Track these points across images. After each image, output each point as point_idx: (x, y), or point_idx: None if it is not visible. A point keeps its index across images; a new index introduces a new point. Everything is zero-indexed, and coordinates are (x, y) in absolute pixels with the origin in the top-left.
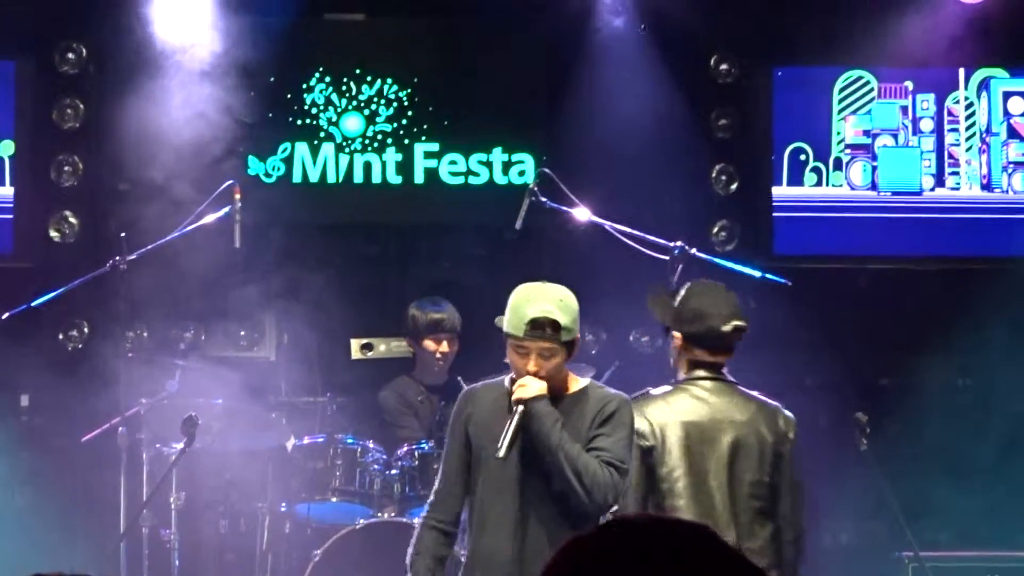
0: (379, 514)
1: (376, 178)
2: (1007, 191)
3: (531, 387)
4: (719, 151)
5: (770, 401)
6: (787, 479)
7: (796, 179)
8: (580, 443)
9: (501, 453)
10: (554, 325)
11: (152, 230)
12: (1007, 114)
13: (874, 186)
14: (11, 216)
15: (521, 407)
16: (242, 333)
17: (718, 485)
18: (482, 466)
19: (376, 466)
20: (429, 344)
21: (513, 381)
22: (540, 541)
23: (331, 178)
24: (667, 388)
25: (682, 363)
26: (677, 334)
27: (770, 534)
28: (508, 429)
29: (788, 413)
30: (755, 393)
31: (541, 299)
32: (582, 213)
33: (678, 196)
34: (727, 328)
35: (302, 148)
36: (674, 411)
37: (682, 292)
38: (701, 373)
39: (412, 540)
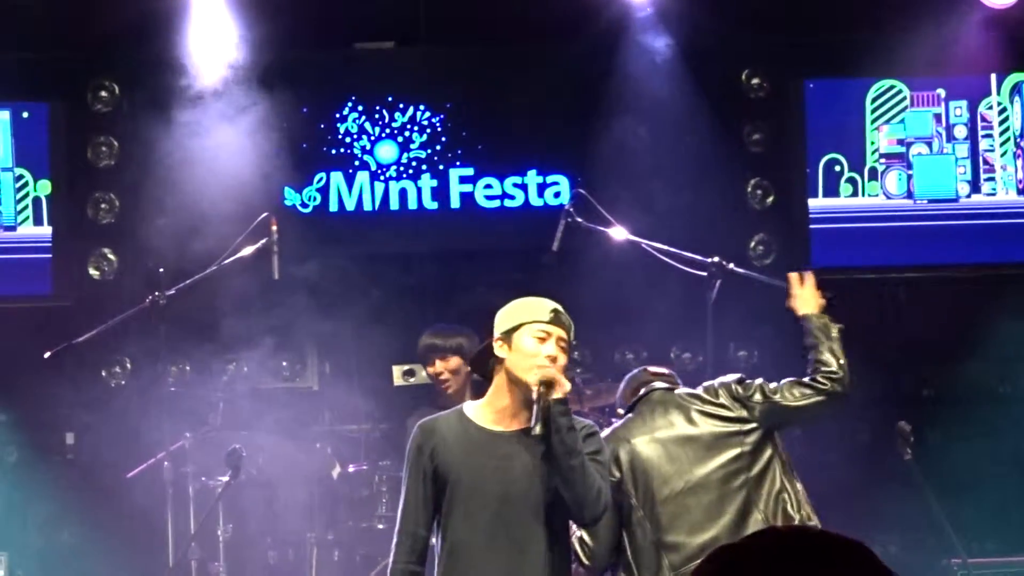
0: None
1: (412, 204)
2: None
3: (563, 377)
4: (753, 165)
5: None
6: (766, 408)
7: (832, 190)
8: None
9: (537, 430)
10: (571, 325)
11: (190, 264)
12: None
13: (910, 194)
14: (50, 255)
15: (556, 380)
16: (284, 364)
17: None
18: (458, 501)
19: None
20: (429, 369)
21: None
22: (527, 574)
23: (367, 206)
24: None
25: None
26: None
27: (778, 477)
28: (538, 408)
29: (705, 384)
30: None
31: (555, 303)
32: (618, 232)
33: (714, 211)
34: None
35: (337, 177)
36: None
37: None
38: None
39: None
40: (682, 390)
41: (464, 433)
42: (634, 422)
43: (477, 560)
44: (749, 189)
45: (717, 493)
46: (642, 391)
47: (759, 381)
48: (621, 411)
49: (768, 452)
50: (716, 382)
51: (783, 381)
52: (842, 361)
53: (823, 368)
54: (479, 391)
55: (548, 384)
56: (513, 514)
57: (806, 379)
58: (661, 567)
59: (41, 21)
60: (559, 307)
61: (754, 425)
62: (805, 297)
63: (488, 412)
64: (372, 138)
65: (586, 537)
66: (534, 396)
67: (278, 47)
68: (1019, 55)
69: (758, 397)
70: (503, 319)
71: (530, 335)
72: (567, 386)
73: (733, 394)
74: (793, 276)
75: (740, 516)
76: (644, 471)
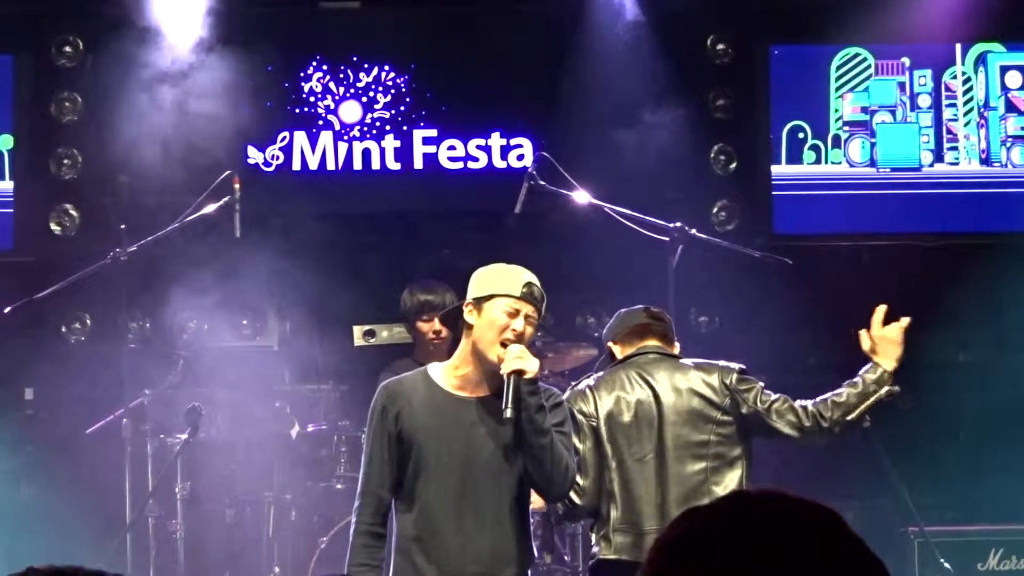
0: None
1: (375, 165)
2: (1006, 165)
3: (530, 358)
4: (717, 131)
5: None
6: (751, 412)
7: (795, 157)
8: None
9: (508, 413)
10: (543, 297)
11: (152, 221)
12: (1005, 88)
13: (873, 163)
14: (11, 210)
15: (526, 369)
16: (244, 323)
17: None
18: (423, 464)
19: None
20: (421, 326)
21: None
22: (488, 539)
23: (330, 166)
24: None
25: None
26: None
27: (739, 477)
28: (508, 391)
29: (705, 360)
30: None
31: (531, 274)
32: (581, 196)
33: (677, 177)
34: None
35: (300, 136)
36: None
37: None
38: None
39: (350, 548)
40: (682, 360)
41: (430, 397)
42: (618, 377)
43: (444, 524)
44: (713, 155)
45: (675, 469)
46: (634, 352)
47: (760, 384)
48: (610, 344)
49: (737, 451)
50: (718, 363)
51: (778, 396)
52: (850, 418)
53: (825, 412)
54: (452, 351)
55: (518, 370)
56: (478, 480)
57: (801, 407)
58: (609, 520)
59: None
60: (533, 280)
61: (730, 418)
62: (891, 347)
63: (453, 377)
64: (336, 97)
65: (577, 476)
66: (503, 374)
67: (244, 4)
68: (984, 25)
69: (750, 397)
70: (477, 285)
71: (500, 308)
72: (536, 366)
73: (726, 381)
74: (880, 311)
75: (686, 499)
76: (615, 428)
